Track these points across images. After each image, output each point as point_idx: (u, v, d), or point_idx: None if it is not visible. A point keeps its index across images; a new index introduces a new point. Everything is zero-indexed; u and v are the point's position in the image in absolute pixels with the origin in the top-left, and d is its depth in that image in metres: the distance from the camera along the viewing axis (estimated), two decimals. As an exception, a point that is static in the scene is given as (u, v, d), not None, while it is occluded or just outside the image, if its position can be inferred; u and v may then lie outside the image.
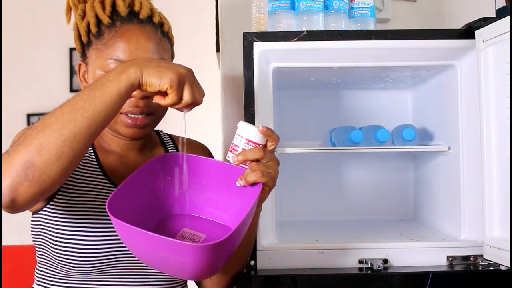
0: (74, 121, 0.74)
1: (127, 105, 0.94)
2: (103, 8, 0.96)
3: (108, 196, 0.96)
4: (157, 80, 0.77)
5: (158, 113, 0.98)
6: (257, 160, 0.88)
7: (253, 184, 0.88)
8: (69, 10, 1.02)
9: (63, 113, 0.75)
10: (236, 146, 0.89)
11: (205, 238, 0.90)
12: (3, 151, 0.78)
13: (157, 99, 0.81)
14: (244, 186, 0.89)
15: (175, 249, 0.74)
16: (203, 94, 0.83)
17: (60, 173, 0.75)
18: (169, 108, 1.02)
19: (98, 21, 0.96)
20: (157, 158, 0.91)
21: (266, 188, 0.88)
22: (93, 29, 0.96)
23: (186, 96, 0.80)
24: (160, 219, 0.92)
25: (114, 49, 0.93)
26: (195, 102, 0.81)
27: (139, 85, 0.78)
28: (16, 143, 0.75)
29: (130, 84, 0.77)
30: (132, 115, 0.95)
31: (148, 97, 0.94)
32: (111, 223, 0.94)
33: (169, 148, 1.11)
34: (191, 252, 0.74)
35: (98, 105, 0.76)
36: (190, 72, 0.82)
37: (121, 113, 0.95)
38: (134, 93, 0.92)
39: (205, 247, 0.73)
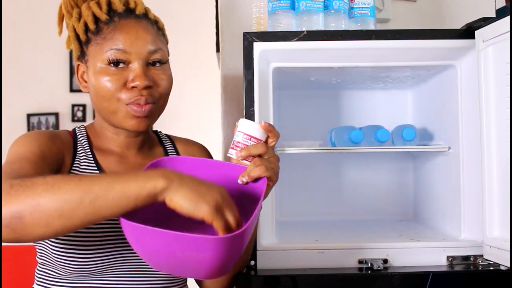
0: (81, 203, 0.71)
1: (132, 95, 0.94)
2: (100, 7, 0.98)
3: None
4: (190, 205, 0.73)
5: (159, 103, 0.98)
6: (259, 156, 0.89)
7: (256, 180, 0.88)
8: (61, 20, 1.03)
9: (76, 188, 0.71)
10: (238, 142, 0.90)
11: None
12: (3, 151, 0.78)
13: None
14: (246, 183, 0.89)
15: (193, 244, 0.72)
16: (239, 218, 0.79)
17: (40, 237, 0.73)
18: (167, 107, 1.02)
19: (96, 19, 0.97)
20: (153, 163, 0.89)
21: (270, 183, 0.89)
22: (91, 26, 0.97)
23: (231, 222, 0.76)
24: (158, 225, 0.91)
25: (114, 41, 0.94)
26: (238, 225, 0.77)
27: (162, 200, 0.74)
28: (22, 183, 0.72)
29: (153, 194, 0.72)
30: (138, 104, 0.95)
31: (150, 87, 0.95)
32: (110, 224, 0.94)
33: (167, 148, 1.12)
34: (211, 246, 0.72)
35: (110, 200, 0.71)
36: (226, 199, 0.77)
37: (127, 104, 0.95)
38: (137, 83, 0.92)
39: (224, 239, 0.71)
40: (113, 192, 0.71)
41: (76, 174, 0.96)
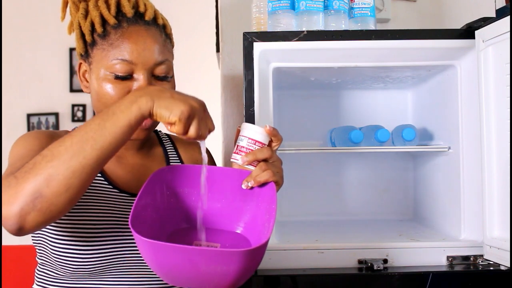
0: (84, 152, 0.75)
1: None
2: (108, 8, 0.95)
3: (106, 197, 0.97)
4: (166, 112, 0.77)
5: None
6: (264, 160, 0.88)
7: (262, 185, 0.88)
8: (65, 5, 1.01)
9: (73, 143, 0.75)
10: (242, 147, 0.89)
11: (221, 247, 0.89)
12: (3, 151, 0.78)
13: (166, 124, 0.81)
14: (251, 188, 0.88)
15: (221, 258, 0.72)
16: (211, 129, 0.83)
17: (68, 203, 0.76)
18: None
19: (103, 21, 0.95)
20: (155, 173, 0.89)
21: (277, 186, 0.89)
22: (99, 29, 0.95)
23: (191, 131, 0.79)
24: (166, 236, 0.90)
25: (120, 50, 0.93)
26: (200, 137, 0.81)
27: (150, 115, 0.78)
28: (24, 169, 0.75)
29: (141, 115, 0.77)
30: None
31: None
32: (110, 225, 0.94)
33: (167, 148, 1.11)
34: (238, 258, 0.71)
35: (108, 136, 0.76)
36: (202, 106, 0.81)
37: None
38: None
39: (250, 250, 0.71)
40: (107, 130, 0.76)
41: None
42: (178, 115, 0.77)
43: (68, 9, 1.01)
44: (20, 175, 0.74)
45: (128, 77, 0.93)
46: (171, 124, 0.79)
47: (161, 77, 0.96)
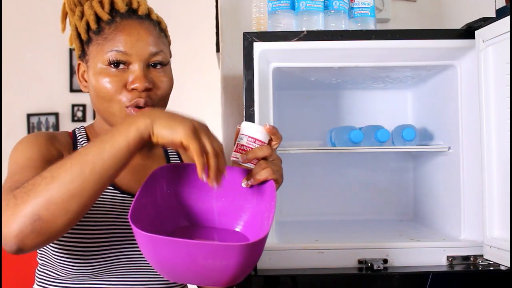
0: (83, 175, 0.74)
1: (131, 97, 0.93)
2: (102, 7, 0.97)
3: (107, 198, 0.97)
4: (168, 131, 0.74)
5: (159, 105, 0.98)
6: (264, 158, 0.88)
7: (261, 183, 0.88)
8: (64, 17, 1.03)
9: (72, 165, 0.74)
10: (243, 145, 0.89)
11: None
12: (3, 151, 0.78)
13: (175, 147, 0.78)
14: (251, 186, 0.88)
15: (220, 252, 0.72)
16: (221, 147, 0.79)
17: (66, 225, 0.75)
18: (167, 107, 1.02)
19: (98, 19, 0.97)
20: (154, 172, 0.89)
21: (276, 185, 0.89)
22: (93, 26, 0.96)
23: (208, 146, 0.76)
24: (166, 234, 0.89)
25: (115, 42, 0.94)
26: (218, 153, 0.77)
27: (149, 137, 0.76)
28: (23, 189, 0.75)
29: (140, 136, 0.75)
30: (136, 108, 0.95)
31: (150, 89, 0.94)
32: (111, 225, 0.94)
33: (167, 148, 1.11)
34: (237, 253, 0.71)
35: (107, 159, 0.74)
36: (204, 125, 0.79)
37: (126, 107, 0.95)
38: (137, 85, 0.92)
39: (251, 244, 0.71)
40: (106, 153, 0.75)
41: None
42: (183, 133, 0.74)
43: (67, 20, 1.03)
44: (19, 195, 0.74)
45: (123, 67, 0.93)
46: (178, 145, 0.75)
47: (157, 63, 0.96)
